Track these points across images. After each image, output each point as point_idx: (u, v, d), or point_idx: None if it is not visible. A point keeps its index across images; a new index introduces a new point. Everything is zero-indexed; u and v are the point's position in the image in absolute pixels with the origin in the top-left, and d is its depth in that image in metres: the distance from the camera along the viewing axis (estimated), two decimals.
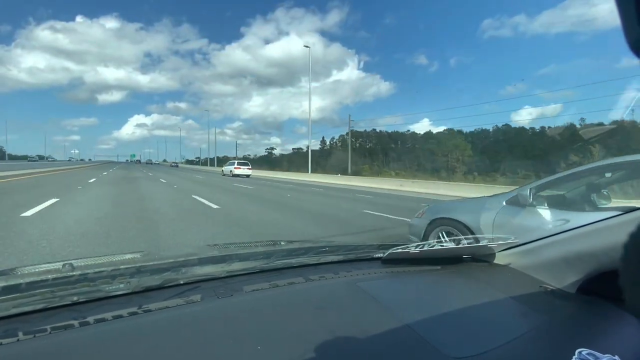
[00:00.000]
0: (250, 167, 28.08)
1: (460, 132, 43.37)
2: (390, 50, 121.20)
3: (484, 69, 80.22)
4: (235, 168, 26.80)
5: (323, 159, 53.33)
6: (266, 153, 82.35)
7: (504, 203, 2.55)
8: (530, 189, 2.43)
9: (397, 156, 48.57)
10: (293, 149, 76.45)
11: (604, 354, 0.55)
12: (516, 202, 2.47)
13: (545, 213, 2.32)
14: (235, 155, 69.19)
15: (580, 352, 0.56)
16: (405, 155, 47.15)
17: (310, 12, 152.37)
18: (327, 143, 68.67)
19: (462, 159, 37.97)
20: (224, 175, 27.12)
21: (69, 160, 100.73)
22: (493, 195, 2.82)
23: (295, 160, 59.42)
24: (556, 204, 2.41)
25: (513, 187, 2.84)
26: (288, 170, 42.85)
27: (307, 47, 28.07)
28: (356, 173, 33.55)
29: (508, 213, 2.47)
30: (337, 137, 66.57)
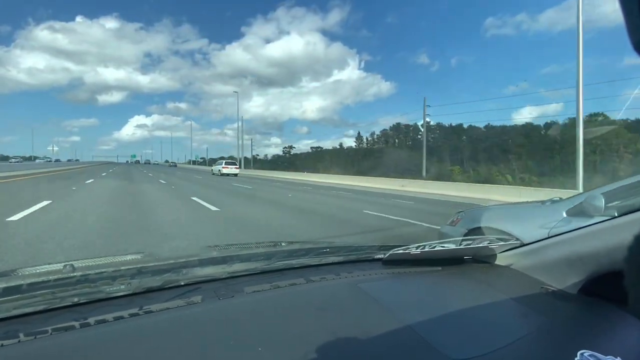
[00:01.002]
0: (237, 166, 29.91)
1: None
2: (391, 49, 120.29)
3: (486, 68, 79.09)
4: (223, 167, 28.32)
5: (368, 159, 45.60)
6: (283, 153, 75.73)
7: (564, 214, 2.11)
8: (604, 198, 1.95)
9: (472, 154, 37.30)
10: (312, 147, 72.11)
11: (606, 355, 0.55)
12: (583, 214, 2.00)
13: None
14: (252, 155, 66.57)
15: (582, 354, 0.56)
16: (487, 152, 35.92)
17: (311, 12, 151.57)
18: (365, 140, 60.68)
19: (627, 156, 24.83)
20: (213, 174, 28.57)
21: (35, 161, 61.61)
22: (547, 202, 2.40)
23: (333, 160, 52.59)
24: None
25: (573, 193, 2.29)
26: (322, 171, 34.32)
27: None
28: (438, 177, 24.35)
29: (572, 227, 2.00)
30: (377, 131, 59.00)
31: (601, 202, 1.90)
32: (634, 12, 0.25)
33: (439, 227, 3.08)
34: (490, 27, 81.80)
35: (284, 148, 79.23)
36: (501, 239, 1.11)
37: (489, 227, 2.44)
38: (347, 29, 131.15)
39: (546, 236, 1.00)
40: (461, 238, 1.12)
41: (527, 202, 2.82)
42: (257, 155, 78.41)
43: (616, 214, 1.90)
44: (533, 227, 2.19)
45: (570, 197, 2.24)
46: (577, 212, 2.06)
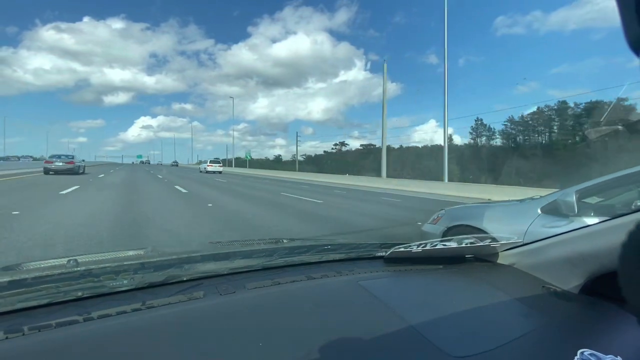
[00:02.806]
0: (221, 164, 31.98)
1: None
2: (399, 49, 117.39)
3: (495, 68, 76.22)
4: (208, 165, 30.77)
5: (519, 160, 30.15)
6: (334, 149, 59.73)
7: (539, 211, 2.14)
8: (576, 195, 1.95)
9: None
10: (362, 145, 56.95)
11: (606, 354, 0.55)
12: (556, 211, 2.03)
13: None
14: (295, 157, 56.85)
15: (582, 353, 0.56)
16: None
17: (318, 11, 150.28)
18: (487, 130, 40.09)
19: None
20: (200, 172, 30.74)
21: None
22: (524, 201, 2.46)
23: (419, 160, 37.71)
24: (606, 215, 1.80)
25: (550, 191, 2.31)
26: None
27: None
28: None
29: (546, 224, 2.01)
30: (515, 116, 38.56)
31: (572, 199, 1.95)
32: (630, 8, 0.25)
33: (422, 227, 3.10)
34: (501, 27, 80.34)
35: (334, 144, 61.79)
36: (499, 238, 1.11)
37: (467, 225, 2.50)
38: (354, 28, 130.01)
39: (548, 235, 1.00)
40: (463, 237, 1.12)
41: (506, 201, 2.85)
42: (279, 155, 65.80)
43: (592, 213, 1.92)
44: (508, 225, 2.27)
45: (546, 194, 2.27)
46: (551, 209, 2.10)
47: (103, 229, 4.59)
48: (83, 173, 19.11)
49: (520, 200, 2.53)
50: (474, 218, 2.54)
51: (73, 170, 17.67)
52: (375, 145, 52.24)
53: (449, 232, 2.63)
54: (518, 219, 2.22)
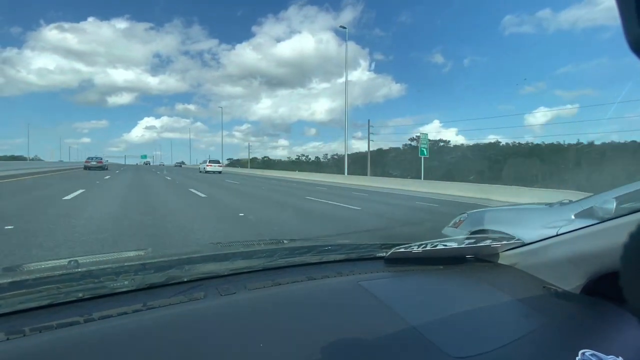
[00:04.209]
0: (220, 164, 32.74)
1: None
2: (405, 49, 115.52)
3: (501, 68, 74.60)
4: (207, 165, 31.32)
5: None
6: (405, 147, 46.00)
7: (573, 217, 2.00)
8: (617, 202, 1.84)
9: None
10: (410, 140, 45.70)
11: (607, 355, 0.55)
12: (593, 218, 1.82)
13: None
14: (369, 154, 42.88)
15: (583, 353, 0.56)
16: None
17: (323, 10, 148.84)
18: None
19: None
20: (200, 172, 31.29)
21: None
22: (553, 205, 2.30)
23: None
24: None
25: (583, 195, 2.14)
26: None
27: None
28: None
29: None
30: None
31: (612, 206, 1.83)
32: (630, 8, 0.25)
33: (442, 230, 2.99)
34: (509, 26, 79.09)
35: (409, 139, 46.95)
36: (504, 238, 1.11)
37: (493, 231, 2.34)
38: (359, 28, 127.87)
39: (549, 235, 1.00)
40: (463, 237, 1.12)
41: (534, 204, 2.74)
42: (303, 156, 53.62)
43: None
44: (537, 230, 2.09)
45: (580, 199, 2.17)
46: (587, 216, 1.93)
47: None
48: (107, 169, 29.69)
49: (549, 204, 2.39)
50: (499, 222, 2.40)
51: (102, 167, 28.92)
52: (448, 142, 40.68)
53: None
54: (549, 225, 2.09)
